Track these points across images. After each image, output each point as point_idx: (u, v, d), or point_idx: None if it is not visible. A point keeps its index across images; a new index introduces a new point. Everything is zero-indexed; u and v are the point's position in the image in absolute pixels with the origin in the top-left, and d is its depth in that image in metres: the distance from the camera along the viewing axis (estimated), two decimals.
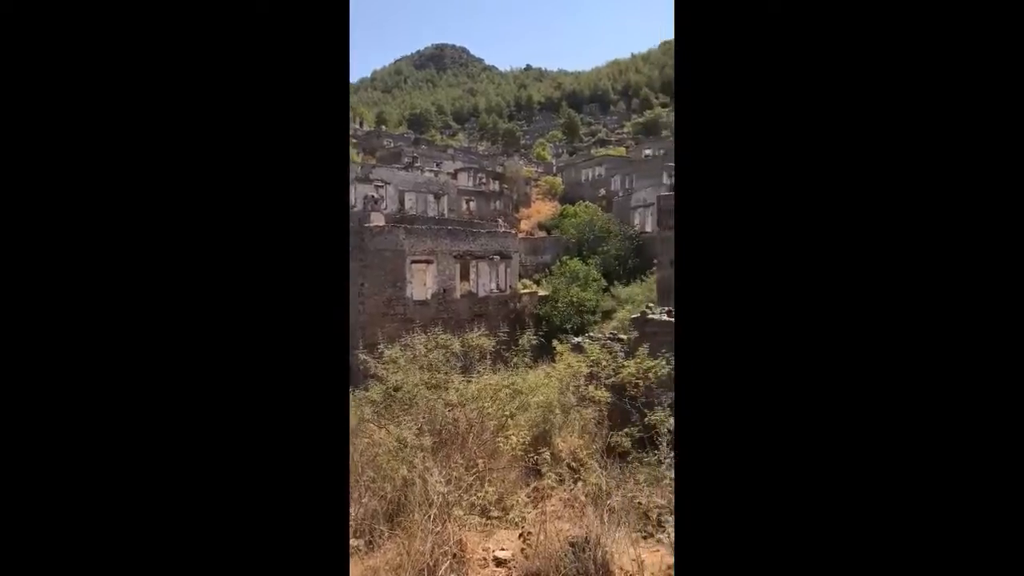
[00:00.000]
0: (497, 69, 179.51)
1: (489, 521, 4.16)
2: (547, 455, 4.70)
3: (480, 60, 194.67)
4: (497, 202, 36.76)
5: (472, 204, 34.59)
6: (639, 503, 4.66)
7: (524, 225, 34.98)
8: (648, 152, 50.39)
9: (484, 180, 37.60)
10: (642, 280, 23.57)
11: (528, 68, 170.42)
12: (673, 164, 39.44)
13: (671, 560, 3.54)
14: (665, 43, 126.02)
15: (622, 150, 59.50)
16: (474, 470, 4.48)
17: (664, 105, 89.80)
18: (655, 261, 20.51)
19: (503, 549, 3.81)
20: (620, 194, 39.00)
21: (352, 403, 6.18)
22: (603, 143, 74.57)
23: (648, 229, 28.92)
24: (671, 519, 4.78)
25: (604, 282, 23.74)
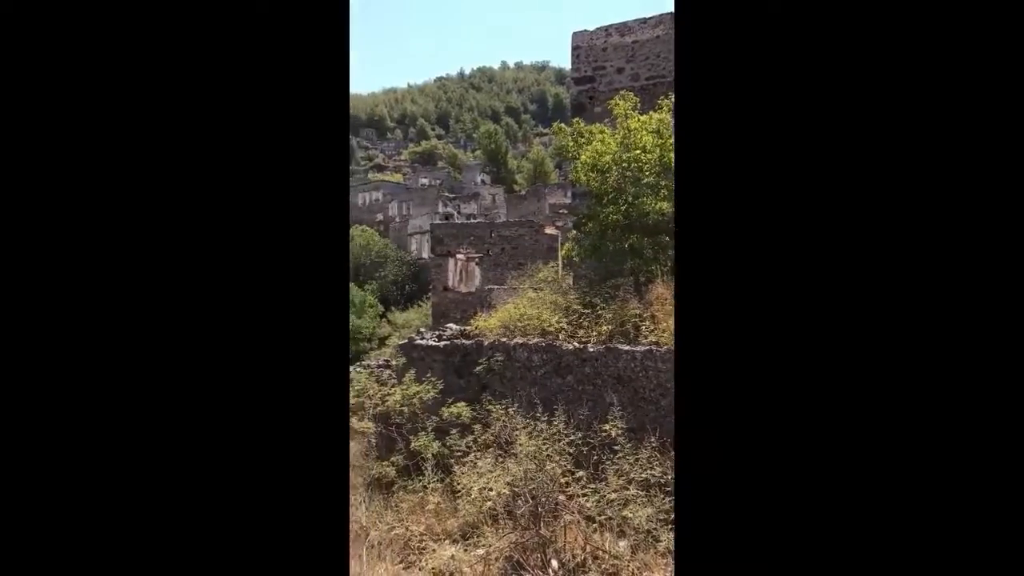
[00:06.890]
0: None
1: None
2: None
3: None
4: None
5: None
6: (397, 534, 4.71)
7: None
8: (425, 181, 50.92)
9: None
10: (419, 305, 22.89)
11: None
12: (447, 194, 41.74)
13: None
14: (440, 78, 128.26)
15: (399, 176, 58.56)
16: None
17: (440, 136, 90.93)
18: (430, 286, 20.17)
19: None
20: (397, 220, 39.21)
21: None
22: (380, 168, 73.35)
23: (424, 255, 28.52)
24: (435, 545, 4.97)
25: (380, 308, 23.01)
